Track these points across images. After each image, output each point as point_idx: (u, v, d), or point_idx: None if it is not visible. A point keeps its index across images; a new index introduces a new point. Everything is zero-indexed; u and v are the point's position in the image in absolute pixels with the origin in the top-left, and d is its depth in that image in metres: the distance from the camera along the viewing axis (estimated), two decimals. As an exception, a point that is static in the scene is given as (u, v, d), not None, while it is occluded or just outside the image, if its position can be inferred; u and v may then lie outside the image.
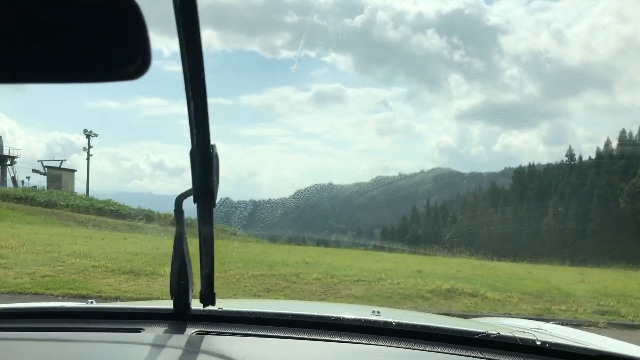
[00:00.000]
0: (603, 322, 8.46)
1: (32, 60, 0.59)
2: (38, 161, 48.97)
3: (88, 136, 49.06)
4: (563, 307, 9.22)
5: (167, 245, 16.74)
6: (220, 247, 18.29)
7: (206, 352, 1.06)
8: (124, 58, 0.62)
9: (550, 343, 1.22)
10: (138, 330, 1.31)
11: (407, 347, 1.23)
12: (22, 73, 0.60)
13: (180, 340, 1.20)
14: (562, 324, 2.12)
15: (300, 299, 8.78)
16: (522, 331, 1.39)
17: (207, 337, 1.26)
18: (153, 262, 11.75)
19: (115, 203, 34.54)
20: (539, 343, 1.23)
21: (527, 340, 1.24)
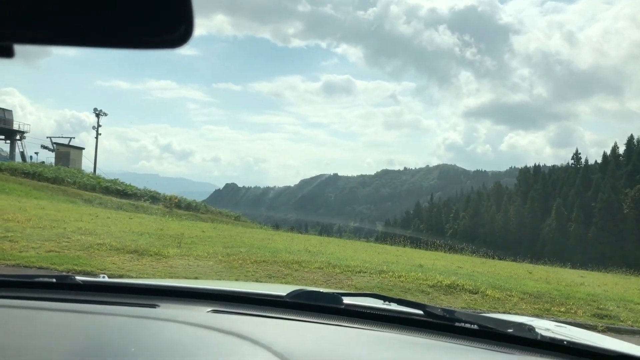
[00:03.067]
0: (602, 326, 8.50)
1: (69, 23, 0.58)
2: (47, 137, 49.20)
3: (98, 115, 49.12)
4: (562, 309, 9.26)
5: (171, 226, 16.85)
6: (224, 231, 18.38)
7: (222, 331, 1.08)
8: (166, 24, 0.59)
9: (569, 342, 1.24)
10: (153, 306, 1.32)
11: (433, 338, 1.24)
12: (58, 35, 0.59)
13: (195, 317, 1.20)
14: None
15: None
16: (546, 329, 1.41)
17: (222, 316, 1.28)
18: (157, 243, 11.85)
19: (121, 183, 34.70)
20: (565, 343, 1.23)
21: (537, 336, 1.25)
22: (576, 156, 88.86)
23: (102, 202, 26.37)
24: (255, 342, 1.02)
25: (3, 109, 46.85)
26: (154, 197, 31.68)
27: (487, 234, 75.80)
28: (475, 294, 9.63)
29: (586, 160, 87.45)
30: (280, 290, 1.53)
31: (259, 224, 36.13)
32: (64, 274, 1.88)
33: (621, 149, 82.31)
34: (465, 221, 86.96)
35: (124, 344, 0.99)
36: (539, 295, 10.10)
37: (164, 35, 0.60)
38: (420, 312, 1.34)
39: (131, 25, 0.59)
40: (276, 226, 35.51)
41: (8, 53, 0.61)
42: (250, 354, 0.98)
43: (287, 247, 13.54)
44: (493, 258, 20.85)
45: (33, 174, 29.60)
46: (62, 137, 49.37)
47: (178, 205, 30.93)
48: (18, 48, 0.62)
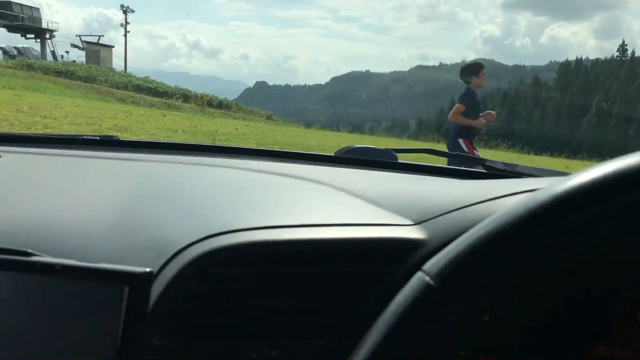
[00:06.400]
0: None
1: None
2: (76, 36, 48.94)
3: (125, 12, 48.31)
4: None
5: (204, 124, 16.92)
6: (257, 128, 18.40)
7: (276, 173, 1.02)
8: None
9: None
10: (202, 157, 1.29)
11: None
12: None
13: (249, 164, 1.15)
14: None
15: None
16: None
17: (275, 163, 1.21)
18: (192, 139, 11.94)
19: (153, 81, 34.66)
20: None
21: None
22: (622, 48, 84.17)
23: (134, 101, 26.51)
24: (312, 180, 0.95)
25: (30, 7, 46.35)
26: (185, 96, 31.65)
27: (524, 130, 74.34)
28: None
29: (633, 52, 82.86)
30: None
31: (290, 122, 36.14)
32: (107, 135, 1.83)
33: (673, 39, 77.38)
34: (501, 118, 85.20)
35: (177, 182, 0.96)
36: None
37: None
38: (479, 166, 1.25)
39: None
40: (308, 124, 35.47)
41: None
42: (310, 189, 0.92)
43: (320, 144, 13.50)
44: (529, 153, 20.51)
45: (65, 73, 29.71)
46: (91, 35, 49.10)
47: (209, 104, 30.92)
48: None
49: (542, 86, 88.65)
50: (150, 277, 0.56)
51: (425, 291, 0.34)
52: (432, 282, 0.34)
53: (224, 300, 0.66)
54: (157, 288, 0.61)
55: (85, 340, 0.55)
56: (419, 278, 0.35)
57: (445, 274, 0.34)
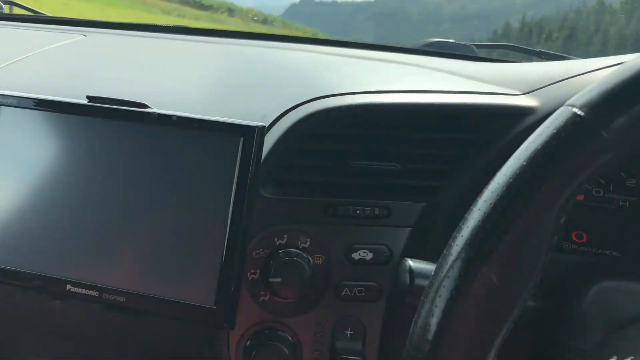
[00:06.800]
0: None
1: None
2: (121, -57, 47.78)
3: None
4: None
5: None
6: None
7: (354, 56, 1.01)
8: None
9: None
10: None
11: None
12: None
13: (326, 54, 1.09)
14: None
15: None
16: None
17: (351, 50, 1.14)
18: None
19: (197, -7, 34.03)
20: None
21: None
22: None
23: (180, 14, 26.12)
24: (402, 62, 0.94)
25: None
26: (230, 10, 31.05)
27: (580, 55, 70.15)
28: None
29: None
30: None
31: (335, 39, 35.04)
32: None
33: None
34: (558, 42, 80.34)
35: (264, 60, 0.97)
36: None
37: None
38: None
39: None
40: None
41: None
42: (404, 69, 0.91)
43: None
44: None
45: (112, -18, 29.51)
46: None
47: (254, 19, 30.30)
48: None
49: (607, 9, 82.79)
50: (263, 131, 0.58)
51: (573, 119, 0.33)
52: (580, 112, 0.33)
53: (329, 160, 0.68)
54: (267, 144, 0.63)
55: (201, 188, 0.58)
56: (563, 110, 0.35)
57: (594, 104, 0.33)
